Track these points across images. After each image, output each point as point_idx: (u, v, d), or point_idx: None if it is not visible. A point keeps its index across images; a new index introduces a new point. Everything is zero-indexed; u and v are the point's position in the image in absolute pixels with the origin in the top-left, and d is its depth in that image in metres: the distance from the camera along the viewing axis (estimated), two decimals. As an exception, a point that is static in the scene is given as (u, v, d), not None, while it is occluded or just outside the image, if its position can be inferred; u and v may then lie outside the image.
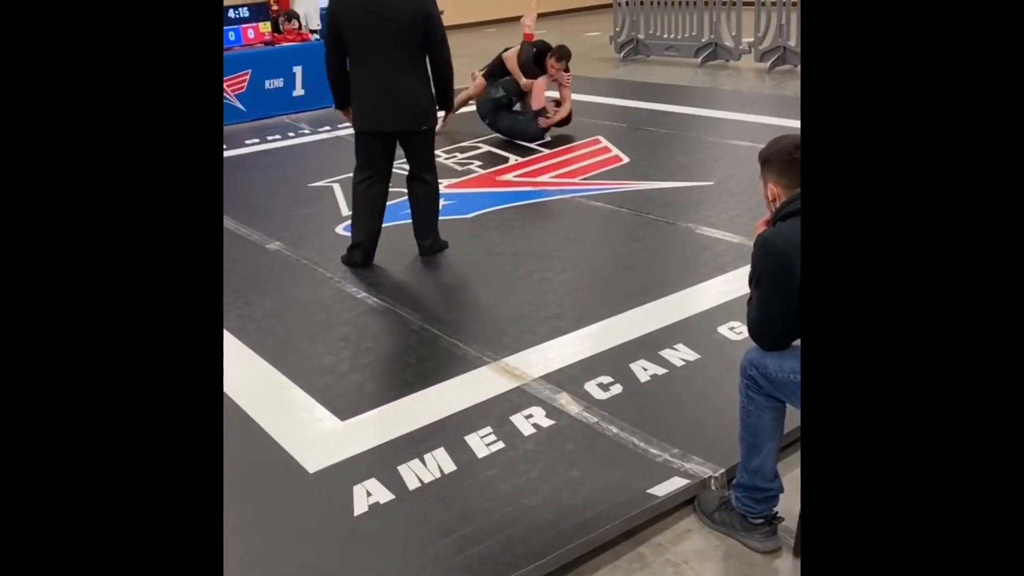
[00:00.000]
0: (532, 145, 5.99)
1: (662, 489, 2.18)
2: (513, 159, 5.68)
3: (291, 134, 7.06)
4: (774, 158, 1.93)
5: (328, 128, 7.16)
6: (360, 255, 3.88)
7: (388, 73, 3.62)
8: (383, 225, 3.97)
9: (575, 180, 5.14)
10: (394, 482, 2.30)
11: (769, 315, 1.88)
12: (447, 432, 2.53)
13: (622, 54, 9.94)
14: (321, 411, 2.70)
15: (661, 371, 2.81)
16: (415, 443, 2.49)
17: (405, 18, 3.56)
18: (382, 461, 2.41)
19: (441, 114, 4.02)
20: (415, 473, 2.34)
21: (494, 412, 2.63)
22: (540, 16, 14.57)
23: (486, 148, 6.04)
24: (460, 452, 2.42)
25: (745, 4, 8.81)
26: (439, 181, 4.05)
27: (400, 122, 3.71)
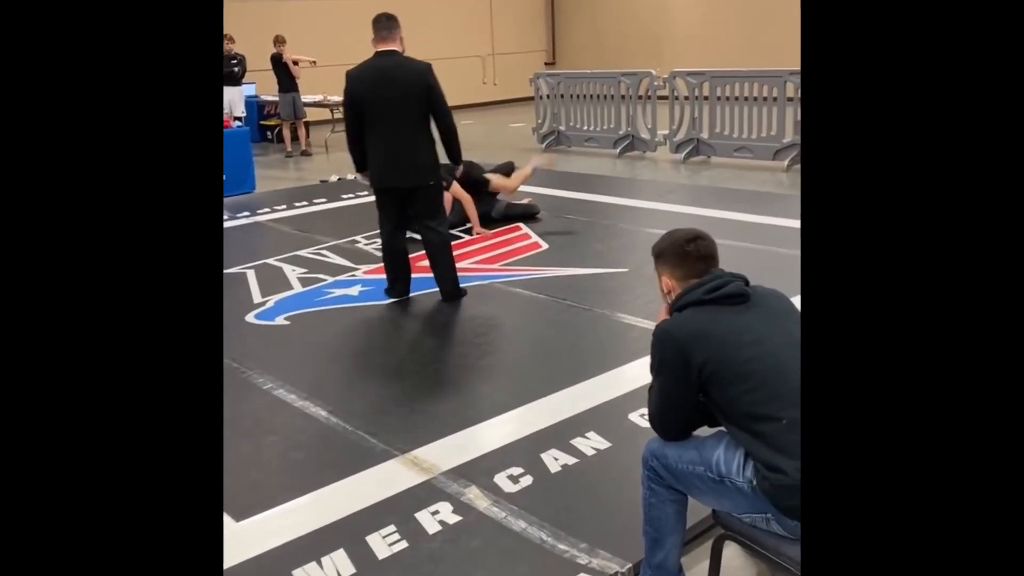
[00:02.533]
0: (455, 232, 6.01)
1: (568, 588, 2.10)
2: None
3: (208, 220, 6.92)
4: (667, 251, 1.96)
5: (248, 213, 7.08)
6: (399, 289, 4.55)
7: (397, 138, 4.19)
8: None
9: (495, 266, 5.16)
10: (287, 589, 2.16)
11: (668, 405, 1.88)
12: (348, 531, 2.41)
13: (544, 144, 10.21)
14: (214, 512, 2.54)
15: (572, 460, 2.76)
16: (314, 544, 2.36)
17: (411, 91, 4.15)
18: (277, 566, 2.27)
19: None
20: (311, 578, 2.21)
21: (399, 508, 2.52)
22: (468, 107, 14.88)
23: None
24: (360, 553, 2.30)
25: (660, 98, 9.22)
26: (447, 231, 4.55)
27: (409, 179, 4.26)
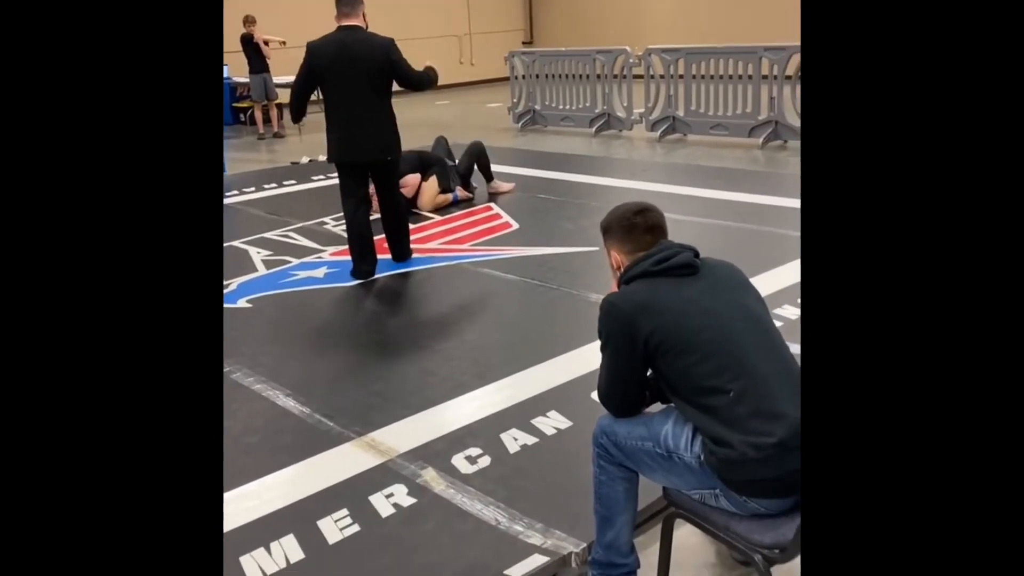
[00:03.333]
0: (423, 212, 5.94)
1: (520, 569, 2.05)
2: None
3: (176, 203, 6.80)
4: (615, 224, 1.91)
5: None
6: (365, 270, 4.50)
7: (359, 114, 4.23)
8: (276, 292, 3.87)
9: (464, 246, 5.09)
10: (234, 575, 2.10)
11: (617, 378, 1.83)
12: (299, 516, 2.35)
13: (520, 124, 10.12)
14: (162, 499, 2.48)
15: (532, 440, 2.72)
16: (264, 529, 2.30)
17: (372, 66, 4.18)
18: (224, 551, 2.20)
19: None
20: (258, 564, 2.15)
21: (353, 492, 2.47)
22: (444, 87, 14.80)
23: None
24: (310, 538, 2.25)
25: (635, 77, 9.13)
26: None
27: (371, 154, 4.33)
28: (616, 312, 1.76)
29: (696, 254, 1.81)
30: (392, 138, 4.39)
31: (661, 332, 1.69)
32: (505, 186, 6.44)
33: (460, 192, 6.19)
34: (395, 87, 4.36)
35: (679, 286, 1.74)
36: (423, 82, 4.37)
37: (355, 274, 4.52)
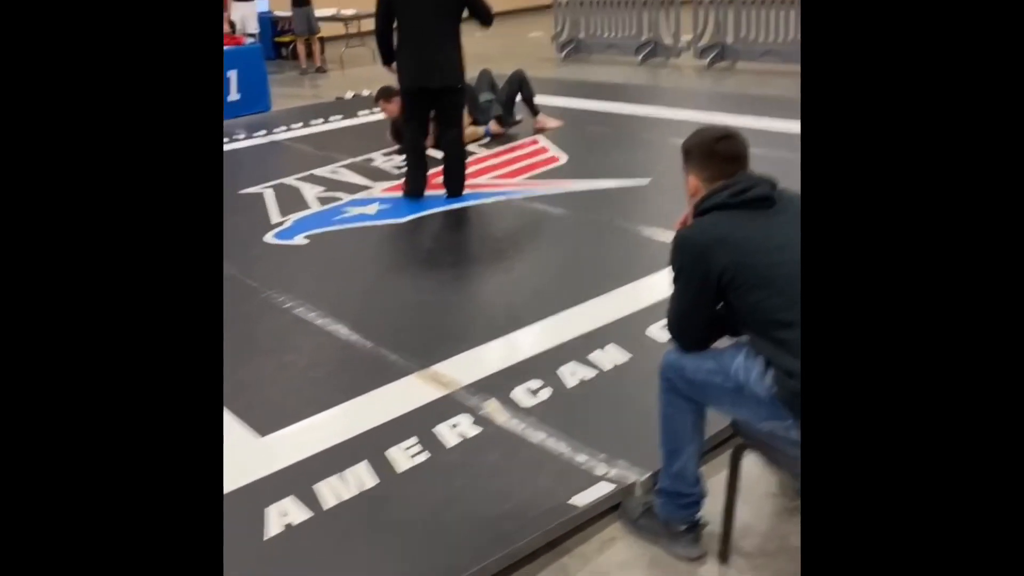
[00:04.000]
0: (472, 147, 5.91)
1: (586, 497, 2.12)
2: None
3: (226, 140, 6.86)
4: (694, 150, 1.87)
5: (264, 132, 7.00)
6: (419, 186, 4.77)
7: (434, 42, 4.42)
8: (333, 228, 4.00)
9: (513, 181, 5.08)
10: (311, 500, 2.21)
11: (687, 313, 1.84)
12: (369, 445, 2.44)
13: (563, 54, 9.92)
14: (239, 428, 2.59)
15: (591, 374, 2.76)
16: (336, 458, 2.39)
17: (445, 5, 4.39)
18: (300, 478, 2.31)
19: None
20: (333, 490, 2.25)
21: (419, 423, 2.54)
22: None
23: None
24: (381, 466, 2.33)
25: (683, 2, 8.86)
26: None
27: (445, 80, 4.48)
28: (689, 246, 1.75)
29: (774, 186, 1.79)
30: (462, 65, 4.56)
31: (735, 267, 1.69)
32: (552, 122, 6.33)
33: (493, 127, 6.12)
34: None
35: (755, 219, 1.73)
36: (491, 16, 4.56)
37: (409, 193, 4.77)
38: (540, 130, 6.23)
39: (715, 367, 1.80)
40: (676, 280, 1.81)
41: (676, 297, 1.83)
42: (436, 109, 4.67)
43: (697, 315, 1.80)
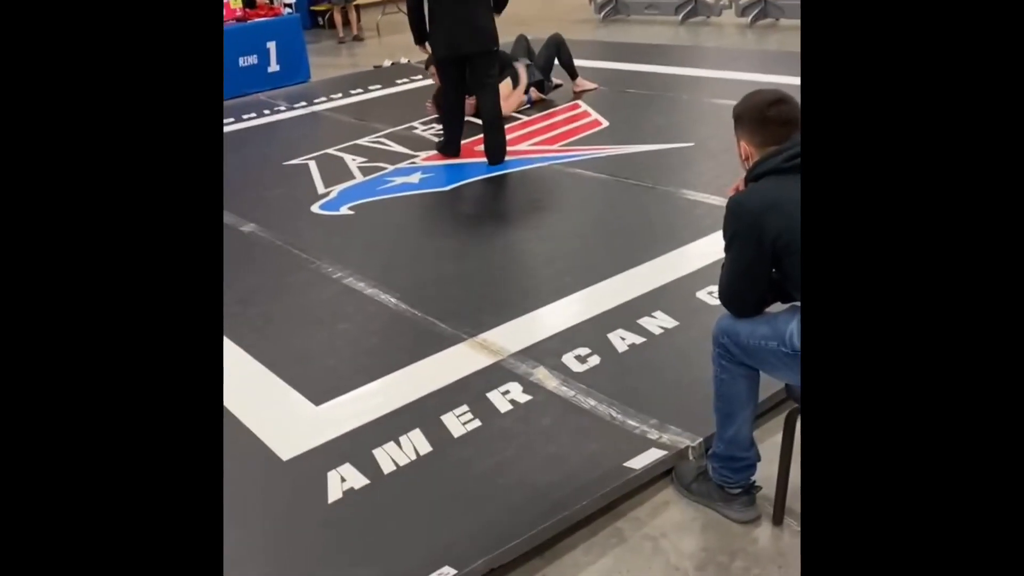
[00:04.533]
0: (512, 112, 5.89)
1: (639, 462, 2.14)
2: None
3: (267, 112, 6.93)
4: (745, 115, 1.85)
5: (304, 103, 7.04)
6: (454, 148, 4.96)
7: (466, 9, 4.52)
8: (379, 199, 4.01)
9: (554, 147, 5.06)
10: (369, 466, 2.27)
11: (740, 279, 1.83)
12: (423, 412, 2.49)
13: (602, 15, 9.77)
14: (295, 396, 2.66)
15: (639, 340, 2.77)
16: (390, 425, 2.45)
17: None
18: (357, 445, 2.37)
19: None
20: (390, 456, 2.30)
21: (470, 390, 2.59)
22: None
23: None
24: (436, 432, 2.39)
25: (725, -42, 8.64)
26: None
27: (480, 45, 4.58)
28: (742, 212, 1.75)
29: (826, 151, 1.76)
30: (494, 27, 4.64)
31: (789, 232, 1.67)
32: (590, 84, 6.28)
33: (534, 93, 6.08)
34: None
35: (808, 184, 1.71)
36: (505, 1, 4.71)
37: (445, 148, 4.97)
38: (579, 93, 6.18)
39: (769, 332, 1.80)
40: (729, 246, 1.80)
41: (730, 263, 1.82)
42: (470, 72, 4.71)
43: (751, 281, 1.80)
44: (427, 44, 4.77)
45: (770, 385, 2.03)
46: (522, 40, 6.41)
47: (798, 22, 8.05)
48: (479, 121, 4.94)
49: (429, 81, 6.06)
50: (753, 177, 1.79)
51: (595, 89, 6.23)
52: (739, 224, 1.75)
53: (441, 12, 4.55)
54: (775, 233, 1.68)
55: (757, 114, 1.79)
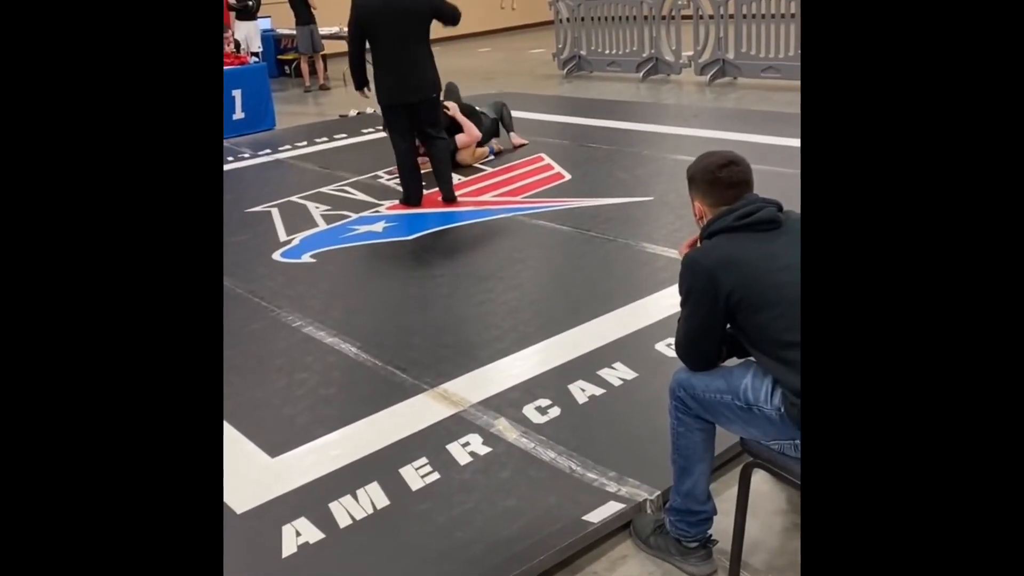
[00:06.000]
0: (476, 164, 5.97)
1: (597, 515, 2.14)
2: (456, 178, 5.64)
3: (230, 159, 6.93)
4: (698, 176, 1.91)
5: (269, 151, 7.06)
6: (416, 198, 5.03)
7: (409, 57, 4.67)
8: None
9: (518, 198, 5.12)
10: (324, 520, 2.23)
11: (696, 334, 1.87)
12: (382, 465, 2.47)
13: (565, 71, 10.00)
14: (250, 447, 2.62)
15: (599, 391, 2.79)
16: (348, 478, 2.42)
17: (421, 11, 4.62)
18: (313, 499, 2.33)
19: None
20: (347, 510, 2.27)
21: (430, 441, 2.57)
22: (486, 33, 14.58)
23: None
24: (394, 485, 2.36)
25: (684, 18, 8.94)
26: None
27: (423, 92, 4.76)
28: (698, 268, 1.79)
29: (780, 208, 1.83)
30: (436, 75, 4.84)
31: (742, 288, 1.72)
32: (521, 139, 6.45)
33: (495, 145, 6.22)
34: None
35: (761, 241, 1.76)
36: (457, 16, 4.76)
37: (408, 200, 5.03)
38: (516, 146, 6.36)
39: (724, 386, 1.83)
40: (685, 302, 1.84)
41: (685, 318, 1.86)
42: (417, 120, 4.85)
43: (706, 336, 1.84)
44: (365, 90, 4.98)
45: (726, 438, 2.05)
46: (453, 88, 6.44)
47: (755, 81, 8.33)
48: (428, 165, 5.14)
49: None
50: (707, 235, 1.84)
51: (526, 144, 6.38)
52: (694, 280, 1.80)
53: (385, 62, 4.69)
54: (729, 289, 1.73)
55: (709, 175, 1.86)
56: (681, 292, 1.85)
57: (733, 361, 1.92)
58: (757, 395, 1.77)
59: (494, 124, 6.27)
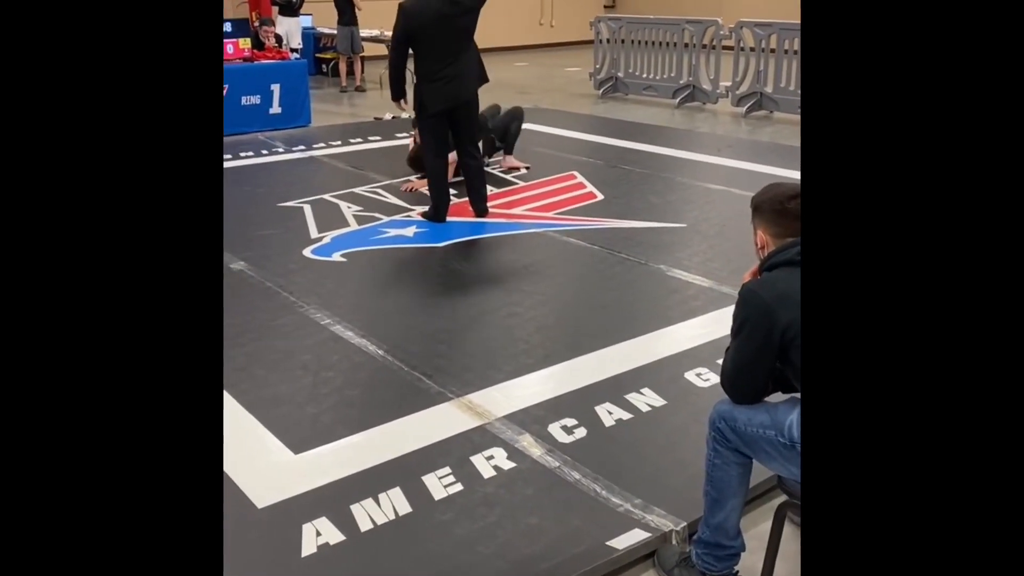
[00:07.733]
0: (508, 176, 5.97)
1: (622, 542, 2.11)
2: (488, 189, 5.64)
3: (264, 152, 6.96)
4: (765, 205, 1.89)
5: (303, 147, 7.09)
6: (440, 213, 4.90)
7: (454, 67, 4.61)
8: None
9: (549, 214, 5.11)
10: (346, 522, 2.21)
11: (744, 367, 1.84)
12: (404, 471, 2.45)
13: (601, 91, 10.01)
14: (274, 443, 2.60)
15: (626, 416, 2.76)
16: (370, 481, 2.40)
17: (464, 24, 4.62)
18: (335, 499, 2.31)
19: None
20: (368, 513, 2.25)
21: (454, 451, 2.55)
22: (523, 48, 14.60)
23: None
24: (416, 493, 2.34)
25: (724, 48, 8.94)
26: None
27: (471, 91, 4.74)
28: (756, 300, 1.77)
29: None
30: (482, 68, 4.79)
31: (799, 324, 1.69)
32: (517, 163, 6.23)
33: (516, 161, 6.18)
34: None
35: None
36: None
37: (431, 218, 4.90)
38: (508, 169, 6.17)
39: (768, 421, 1.80)
40: (738, 332, 1.82)
41: (736, 349, 1.84)
42: (456, 130, 4.80)
43: (755, 369, 1.81)
44: (402, 102, 4.89)
45: (760, 472, 2.02)
46: (494, 107, 6.39)
47: (792, 116, 8.31)
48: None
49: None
50: (768, 267, 1.82)
51: (520, 169, 6.17)
52: (750, 312, 1.77)
53: (438, 67, 4.56)
54: (785, 325, 1.70)
55: (777, 205, 1.83)
56: (735, 322, 1.82)
57: (777, 396, 1.89)
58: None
59: (490, 145, 6.10)
